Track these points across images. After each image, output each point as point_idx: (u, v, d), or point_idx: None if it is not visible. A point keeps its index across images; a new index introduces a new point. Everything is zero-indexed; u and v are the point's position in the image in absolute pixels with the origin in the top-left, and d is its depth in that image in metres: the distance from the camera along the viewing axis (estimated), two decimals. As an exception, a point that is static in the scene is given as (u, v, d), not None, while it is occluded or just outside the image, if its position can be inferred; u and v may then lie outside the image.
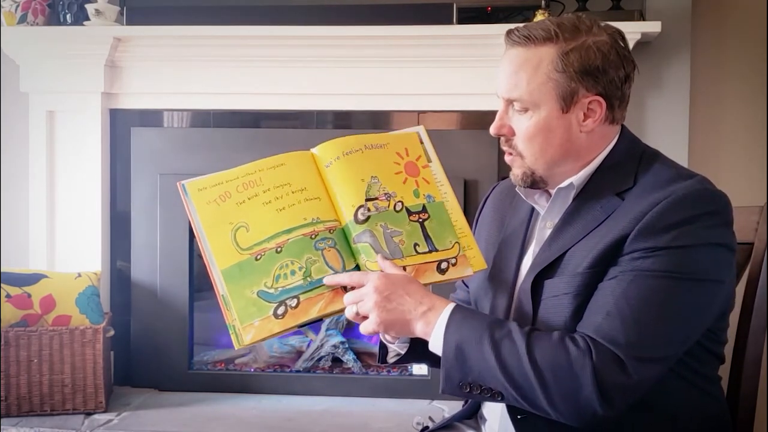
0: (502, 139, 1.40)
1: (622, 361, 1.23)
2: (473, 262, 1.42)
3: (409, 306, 1.31)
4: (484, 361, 1.26)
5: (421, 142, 1.47)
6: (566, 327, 1.30)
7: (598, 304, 1.28)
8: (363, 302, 1.32)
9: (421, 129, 1.48)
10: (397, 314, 1.31)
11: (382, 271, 1.34)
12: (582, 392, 1.22)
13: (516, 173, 1.41)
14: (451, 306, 1.32)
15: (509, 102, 1.38)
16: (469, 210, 2.64)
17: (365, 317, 1.33)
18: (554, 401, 1.24)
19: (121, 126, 2.87)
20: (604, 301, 1.27)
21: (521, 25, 1.37)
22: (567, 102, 1.34)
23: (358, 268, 1.36)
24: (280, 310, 1.32)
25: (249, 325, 1.31)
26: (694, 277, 1.27)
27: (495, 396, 1.28)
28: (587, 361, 1.22)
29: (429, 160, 1.46)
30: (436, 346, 1.31)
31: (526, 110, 1.36)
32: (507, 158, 1.42)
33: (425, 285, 1.38)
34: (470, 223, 1.53)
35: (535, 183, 1.40)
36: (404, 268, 1.36)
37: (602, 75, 1.34)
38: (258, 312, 1.31)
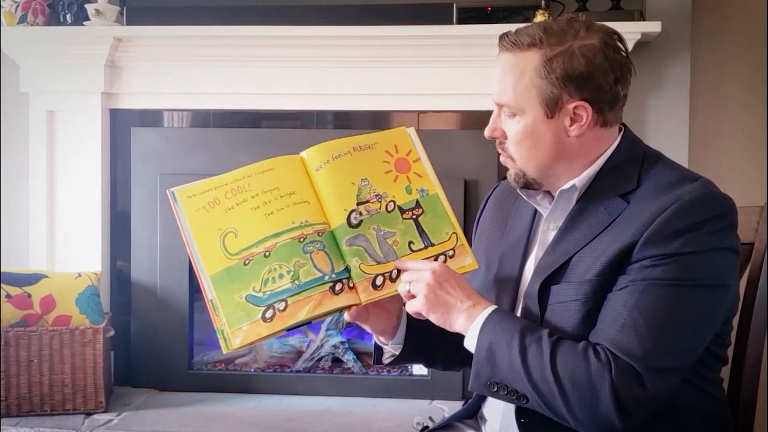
0: (497, 141, 1.42)
1: (639, 374, 1.24)
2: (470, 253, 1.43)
3: (457, 298, 1.34)
4: (511, 363, 1.28)
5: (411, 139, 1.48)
6: (574, 333, 1.31)
7: (612, 316, 1.28)
8: (416, 281, 1.34)
9: (411, 130, 1.49)
10: (443, 301, 1.34)
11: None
12: (600, 405, 1.23)
13: (510, 174, 1.43)
14: (493, 307, 1.34)
15: (500, 106, 1.39)
16: (469, 210, 2.66)
17: (413, 296, 1.35)
18: (574, 411, 1.25)
19: (121, 126, 2.87)
20: (618, 313, 1.27)
21: (514, 28, 1.38)
22: (551, 108, 1.35)
23: (347, 269, 1.36)
24: (268, 314, 1.32)
25: (237, 329, 1.31)
26: (704, 283, 1.28)
27: (520, 398, 1.29)
28: (606, 374, 1.23)
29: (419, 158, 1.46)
30: (470, 343, 1.33)
31: (514, 115, 1.37)
32: (501, 159, 1.44)
33: None
34: (472, 223, 1.52)
35: (528, 184, 1.41)
36: (398, 272, 1.37)
37: (587, 81, 1.34)
38: (246, 316, 1.31)
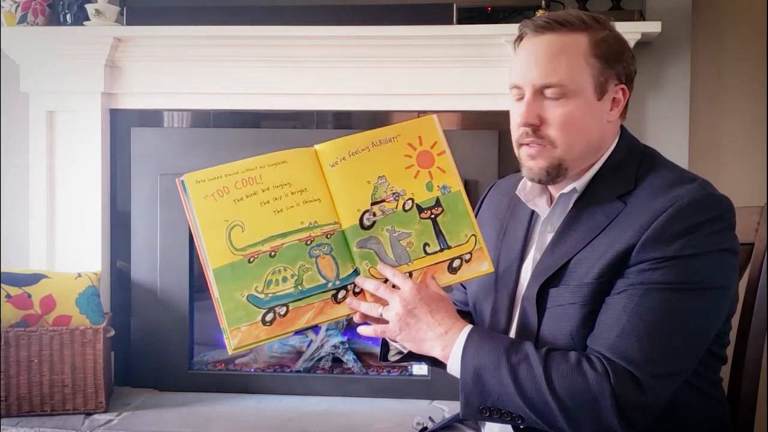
0: (527, 130, 1.35)
1: (639, 380, 1.23)
2: (488, 258, 1.39)
3: (429, 326, 1.31)
4: (503, 386, 1.26)
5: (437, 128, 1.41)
6: (572, 336, 1.30)
7: (611, 321, 1.27)
8: (388, 308, 1.32)
9: (435, 117, 1.42)
10: (413, 332, 1.32)
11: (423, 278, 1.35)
12: (602, 415, 1.23)
13: (541, 165, 1.35)
14: (467, 329, 1.32)
15: (539, 90, 1.34)
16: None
17: (386, 321, 1.34)
18: (576, 425, 1.24)
19: (121, 126, 2.87)
20: (617, 318, 1.26)
21: (515, 26, 1.39)
22: (601, 89, 1.35)
23: (356, 272, 1.34)
24: (269, 317, 1.30)
25: (236, 329, 1.29)
26: (704, 286, 1.27)
27: (515, 419, 1.28)
28: (605, 384, 1.22)
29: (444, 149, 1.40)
30: (454, 369, 1.31)
31: (561, 96, 1.33)
32: (531, 150, 1.36)
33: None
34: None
35: (558, 175, 1.36)
36: (410, 274, 1.34)
37: (627, 65, 1.37)
38: (246, 317, 1.29)
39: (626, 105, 1.40)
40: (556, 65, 1.32)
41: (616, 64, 1.35)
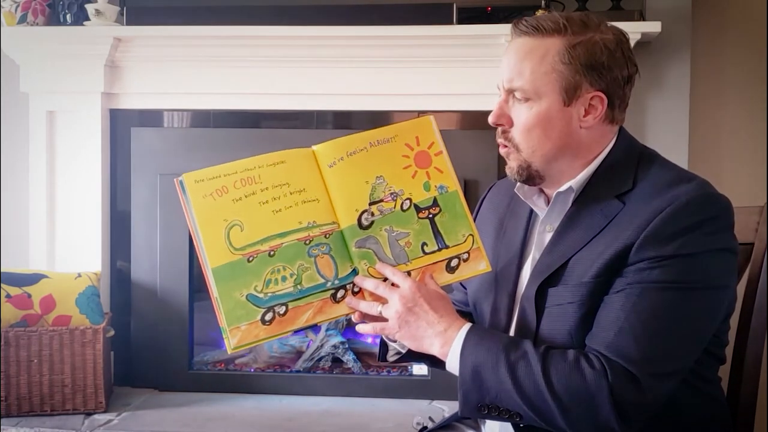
0: (499, 130, 1.39)
1: (637, 379, 1.23)
2: (486, 258, 1.40)
3: (429, 323, 1.32)
4: (501, 384, 1.26)
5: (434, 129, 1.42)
6: (571, 335, 1.30)
7: (609, 320, 1.27)
8: (387, 306, 1.33)
9: (431, 117, 1.44)
10: (413, 329, 1.32)
11: (422, 276, 1.35)
12: (600, 413, 1.23)
13: (512, 166, 1.39)
14: (466, 327, 1.32)
15: (510, 92, 1.36)
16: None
17: (385, 319, 1.34)
18: (573, 423, 1.24)
19: (121, 126, 2.87)
20: (615, 317, 1.26)
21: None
22: (569, 95, 1.33)
23: (355, 272, 1.35)
24: (268, 317, 1.30)
25: (235, 328, 1.29)
26: (702, 286, 1.27)
27: (513, 417, 1.28)
28: (603, 383, 1.22)
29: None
30: (453, 367, 1.32)
31: (527, 100, 1.34)
32: (502, 151, 1.40)
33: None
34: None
35: (530, 177, 1.38)
36: (409, 273, 1.35)
37: (607, 72, 1.34)
38: (246, 316, 1.29)
39: (624, 108, 1.39)
40: (522, 69, 1.34)
41: (592, 71, 1.33)
